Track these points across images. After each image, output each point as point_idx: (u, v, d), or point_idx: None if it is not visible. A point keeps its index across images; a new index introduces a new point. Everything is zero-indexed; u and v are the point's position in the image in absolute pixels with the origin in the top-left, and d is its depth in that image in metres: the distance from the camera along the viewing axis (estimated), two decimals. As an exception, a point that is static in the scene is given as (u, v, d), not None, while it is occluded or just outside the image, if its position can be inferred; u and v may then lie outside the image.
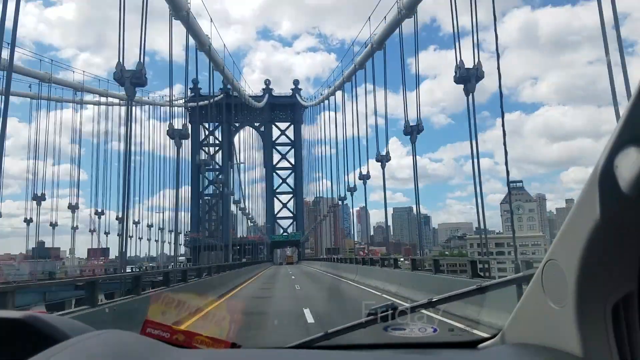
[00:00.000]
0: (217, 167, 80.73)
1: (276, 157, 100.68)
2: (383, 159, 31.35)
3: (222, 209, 75.18)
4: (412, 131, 27.41)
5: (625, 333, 0.89)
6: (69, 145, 54.32)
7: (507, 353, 1.20)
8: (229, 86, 58.75)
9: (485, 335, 1.37)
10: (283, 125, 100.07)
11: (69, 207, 50.59)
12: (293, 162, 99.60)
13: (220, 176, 50.19)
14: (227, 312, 1.48)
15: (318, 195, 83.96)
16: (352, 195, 45.61)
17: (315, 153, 79.32)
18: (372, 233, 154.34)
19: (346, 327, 1.41)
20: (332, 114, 56.33)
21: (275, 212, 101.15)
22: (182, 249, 78.71)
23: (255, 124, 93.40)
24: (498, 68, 14.74)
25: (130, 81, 17.93)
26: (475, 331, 8.49)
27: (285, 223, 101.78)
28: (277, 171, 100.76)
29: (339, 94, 47.24)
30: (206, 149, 76.89)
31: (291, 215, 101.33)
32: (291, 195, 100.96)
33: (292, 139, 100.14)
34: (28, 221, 46.92)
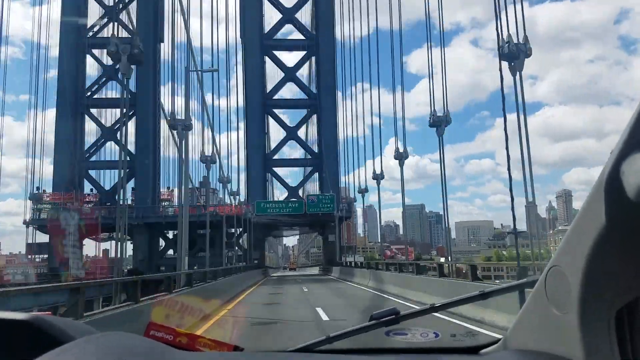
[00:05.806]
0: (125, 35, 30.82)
1: (272, 17, 43.43)
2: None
3: (137, 129, 38.26)
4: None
5: (629, 340, 0.89)
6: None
7: (510, 359, 1.20)
8: None
9: (487, 340, 1.36)
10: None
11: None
12: (312, 31, 43.50)
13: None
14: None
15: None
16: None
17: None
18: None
19: (348, 331, 1.42)
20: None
21: (270, 149, 44.72)
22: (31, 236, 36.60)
23: None
24: (500, 70, 15.08)
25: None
26: (481, 330, 8.40)
27: (294, 176, 45.84)
28: (275, 51, 44.42)
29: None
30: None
31: (307, 157, 45.60)
32: (306, 109, 44.09)
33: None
34: None
